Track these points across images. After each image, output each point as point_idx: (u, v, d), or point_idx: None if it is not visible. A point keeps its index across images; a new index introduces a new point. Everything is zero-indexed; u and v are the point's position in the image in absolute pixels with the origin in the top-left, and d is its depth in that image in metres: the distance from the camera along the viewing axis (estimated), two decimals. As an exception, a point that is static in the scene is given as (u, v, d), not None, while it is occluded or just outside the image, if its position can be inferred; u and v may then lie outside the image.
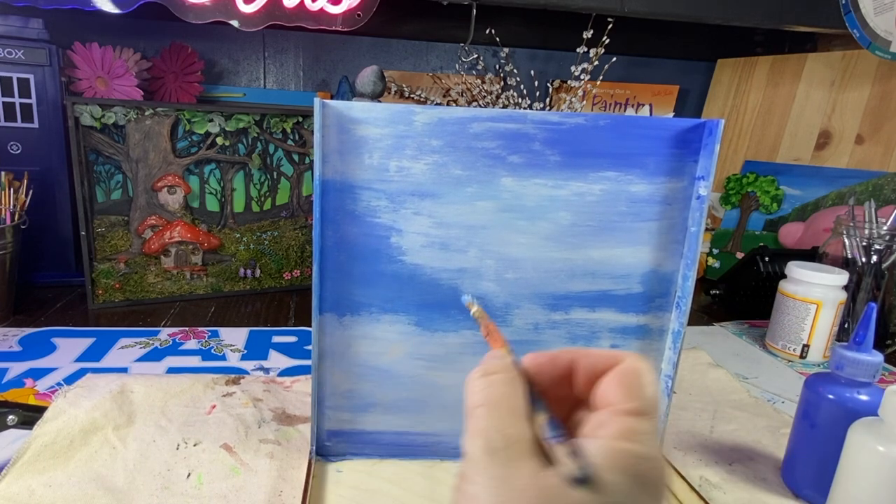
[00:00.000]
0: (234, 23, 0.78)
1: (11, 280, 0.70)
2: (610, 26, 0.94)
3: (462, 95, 1.08)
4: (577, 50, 0.97)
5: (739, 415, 0.56)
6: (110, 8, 0.75)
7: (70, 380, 0.55)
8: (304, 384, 0.56)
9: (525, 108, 1.03)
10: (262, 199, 0.83)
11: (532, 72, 1.09)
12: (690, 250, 0.42)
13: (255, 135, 0.80)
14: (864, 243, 0.72)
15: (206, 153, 0.77)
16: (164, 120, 0.74)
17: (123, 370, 0.58)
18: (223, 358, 0.62)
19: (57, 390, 0.52)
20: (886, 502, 0.33)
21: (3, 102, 0.78)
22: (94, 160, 0.72)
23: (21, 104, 0.78)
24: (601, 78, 1.01)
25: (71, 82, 0.83)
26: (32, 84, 0.78)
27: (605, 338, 0.44)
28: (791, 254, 0.85)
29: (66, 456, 0.42)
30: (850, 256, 0.73)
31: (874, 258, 0.71)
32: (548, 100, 1.10)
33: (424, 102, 1.06)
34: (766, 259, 0.82)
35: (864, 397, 0.40)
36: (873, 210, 0.72)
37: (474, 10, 0.92)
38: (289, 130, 0.82)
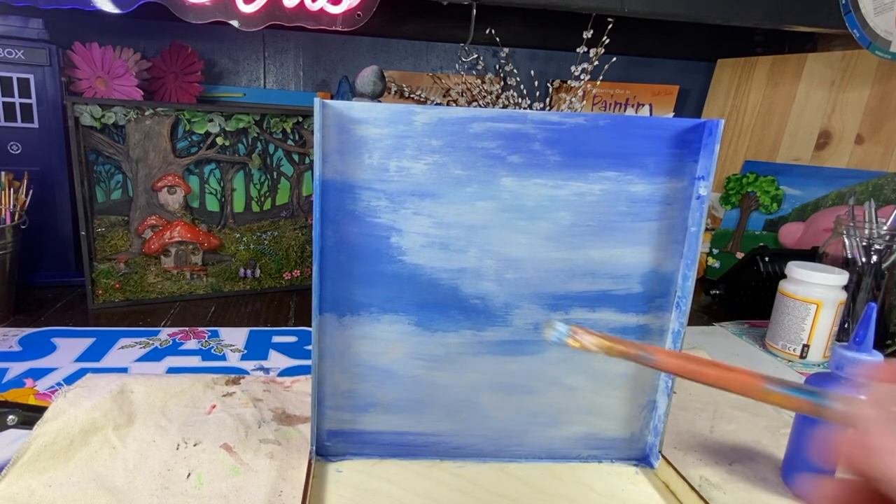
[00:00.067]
0: (234, 23, 0.78)
1: (11, 280, 0.70)
2: (610, 26, 0.94)
3: (462, 95, 1.08)
4: (577, 50, 0.97)
5: (739, 415, 0.56)
6: (110, 8, 0.75)
7: (70, 380, 0.55)
8: (304, 384, 0.56)
9: (525, 108, 1.03)
10: (262, 199, 0.83)
11: (532, 72, 1.09)
12: (690, 250, 0.42)
13: (255, 135, 0.80)
14: (864, 243, 0.72)
15: (206, 153, 0.77)
16: (164, 120, 0.74)
17: (123, 370, 0.58)
18: (223, 358, 0.62)
19: (57, 390, 0.52)
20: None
21: (3, 102, 0.78)
22: (94, 160, 0.72)
23: (21, 104, 0.78)
24: (601, 78, 1.01)
25: (71, 82, 0.83)
26: (32, 84, 0.78)
27: (605, 338, 0.44)
28: (791, 254, 0.85)
29: (66, 456, 0.42)
30: (850, 256, 0.73)
31: (874, 258, 0.71)
32: (548, 100, 1.10)
33: (424, 102, 1.06)
34: (766, 259, 0.82)
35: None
36: (873, 210, 0.72)
37: (474, 10, 0.92)
38: (289, 130, 0.82)
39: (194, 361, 0.61)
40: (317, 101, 0.37)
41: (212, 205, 0.80)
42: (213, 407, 0.50)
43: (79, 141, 0.70)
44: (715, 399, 0.59)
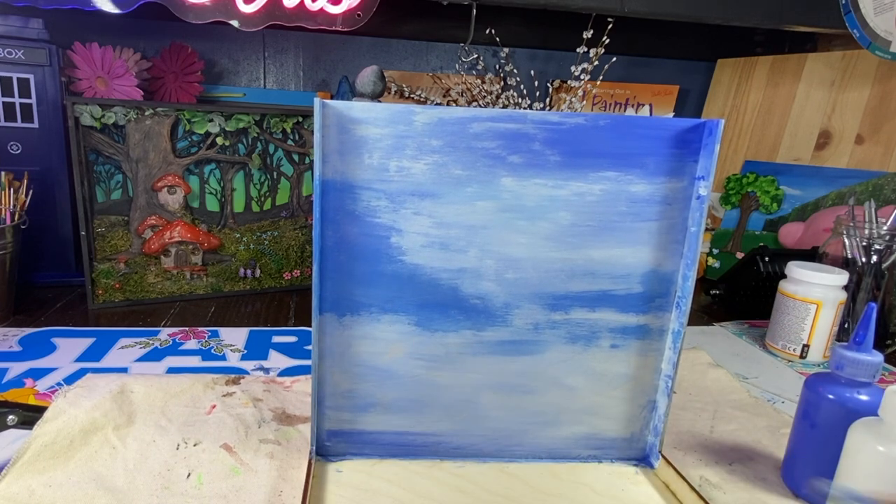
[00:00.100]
0: (234, 23, 0.78)
1: (11, 280, 0.70)
2: (610, 26, 0.94)
3: (462, 95, 1.08)
4: (577, 50, 0.97)
5: (739, 415, 0.56)
6: (110, 8, 0.75)
7: (70, 380, 0.55)
8: (304, 384, 0.56)
9: (525, 108, 1.03)
10: (262, 199, 0.83)
11: (532, 72, 1.09)
12: (690, 250, 0.42)
13: (255, 135, 0.80)
14: (864, 243, 0.72)
15: (206, 153, 0.77)
16: (164, 120, 0.74)
17: (123, 370, 0.58)
18: (223, 358, 0.62)
19: (57, 390, 0.52)
20: (886, 502, 0.33)
21: (3, 102, 0.78)
22: (94, 160, 0.72)
23: (21, 104, 0.78)
24: (601, 78, 1.01)
25: (71, 82, 0.83)
26: (32, 84, 0.78)
27: (605, 338, 0.44)
28: (791, 254, 0.85)
29: (66, 456, 0.42)
30: (850, 256, 0.73)
31: (874, 258, 0.71)
32: (548, 100, 1.10)
33: (424, 102, 1.06)
34: (766, 259, 0.82)
35: (864, 397, 0.40)
36: (873, 210, 0.72)
37: (474, 10, 0.92)
38: (289, 130, 0.82)
39: (194, 361, 0.61)
40: (317, 101, 0.37)
41: (212, 205, 0.80)
42: (213, 407, 0.50)
43: (79, 141, 0.70)
44: (715, 399, 0.59)
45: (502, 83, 1.09)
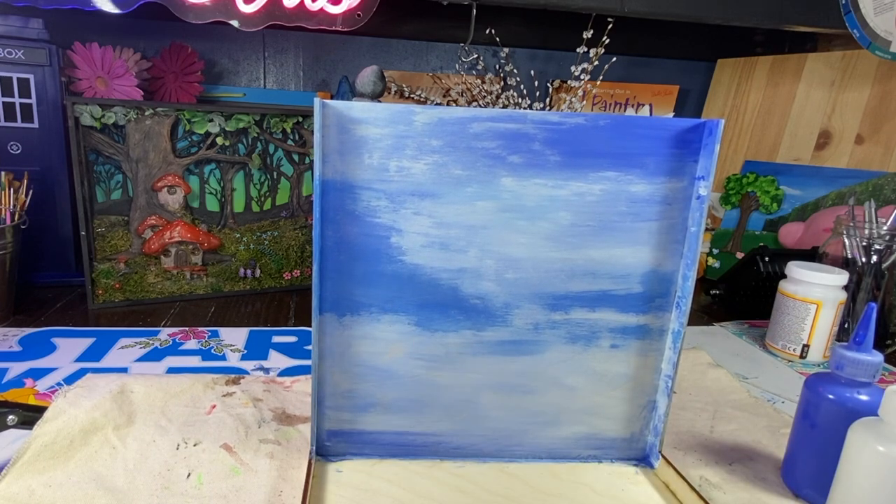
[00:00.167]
0: (234, 23, 0.78)
1: (11, 280, 0.70)
2: (610, 26, 0.94)
3: (462, 95, 1.08)
4: (577, 50, 0.97)
5: (739, 415, 0.56)
6: (110, 8, 0.75)
7: (70, 380, 0.55)
8: (304, 384, 0.56)
9: (525, 108, 1.03)
10: (262, 199, 0.83)
11: (532, 72, 1.09)
12: (690, 250, 0.42)
13: (255, 135, 0.80)
14: (864, 243, 0.72)
15: (206, 153, 0.77)
16: (164, 120, 0.74)
17: (123, 370, 0.58)
18: (223, 358, 0.62)
19: (57, 390, 0.52)
20: (886, 502, 0.33)
21: (3, 102, 0.78)
22: (94, 160, 0.72)
23: (21, 104, 0.78)
24: (601, 78, 1.01)
25: (71, 82, 0.83)
26: (32, 84, 0.78)
27: (605, 338, 0.44)
28: (791, 254, 0.85)
29: (66, 456, 0.42)
30: (850, 256, 0.73)
31: (874, 258, 0.71)
32: (548, 100, 1.10)
33: (424, 102, 1.06)
34: (766, 259, 0.82)
35: (864, 397, 0.40)
36: (873, 210, 0.72)
37: (474, 10, 0.92)
38: (289, 130, 0.82)
39: (194, 361, 0.61)
40: (317, 101, 0.37)
41: (212, 205, 0.80)
42: (213, 407, 0.50)
43: (79, 141, 0.70)
44: (715, 399, 0.59)
45: (502, 83, 1.09)
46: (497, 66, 1.10)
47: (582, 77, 0.99)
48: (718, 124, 0.39)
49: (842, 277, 0.66)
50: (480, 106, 1.06)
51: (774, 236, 0.98)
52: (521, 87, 1.07)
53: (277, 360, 0.62)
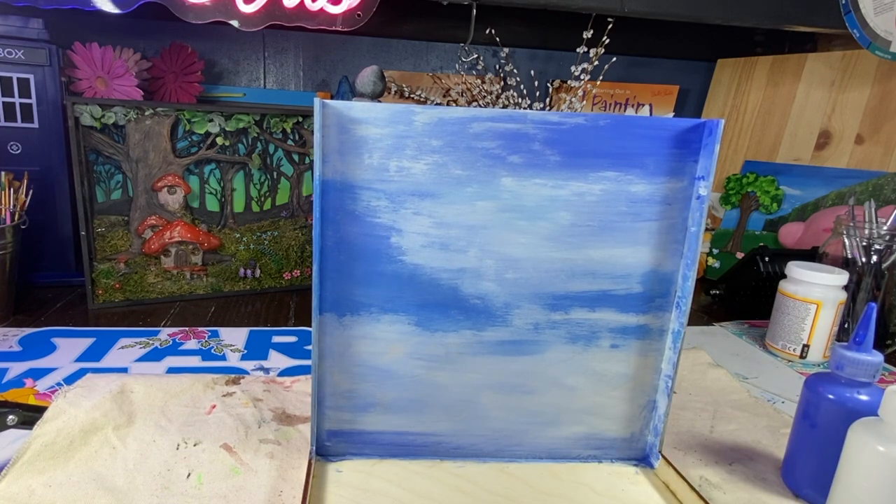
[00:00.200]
0: (234, 23, 0.78)
1: (11, 280, 0.70)
2: (610, 26, 0.94)
3: (462, 95, 1.08)
4: (577, 50, 0.97)
5: (739, 415, 0.56)
6: (110, 8, 0.75)
7: (70, 380, 0.55)
8: (304, 384, 0.56)
9: (525, 108, 1.03)
10: (262, 199, 0.83)
11: (532, 72, 1.09)
12: (690, 250, 0.42)
13: (255, 135, 0.80)
14: (864, 243, 0.72)
15: (206, 153, 0.77)
16: (164, 120, 0.74)
17: (123, 370, 0.58)
18: (223, 358, 0.62)
19: (57, 390, 0.52)
20: (886, 502, 0.33)
21: (3, 102, 0.78)
22: (94, 160, 0.72)
23: (21, 104, 0.78)
24: (601, 78, 1.01)
25: (71, 82, 0.83)
26: (32, 84, 0.78)
27: (605, 338, 0.44)
28: (791, 254, 0.85)
29: (66, 456, 0.42)
30: (850, 256, 0.73)
31: (874, 258, 0.71)
32: (548, 100, 1.10)
33: (424, 102, 1.06)
34: (766, 259, 0.82)
35: (864, 397, 0.40)
36: (873, 210, 0.72)
37: (474, 10, 0.92)
38: (289, 130, 0.82)
39: (194, 361, 0.61)
40: (317, 101, 0.37)
41: (212, 205, 0.80)
42: (213, 407, 0.50)
43: (79, 141, 0.70)
44: (715, 399, 0.59)
45: (502, 83, 1.09)
46: (497, 66, 1.10)
47: (582, 77, 0.99)
48: (718, 124, 0.39)
49: (842, 277, 0.66)
50: (480, 106, 1.06)
51: (774, 236, 0.98)
52: (521, 87, 1.07)
53: (277, 360, 0.62)
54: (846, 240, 0.73)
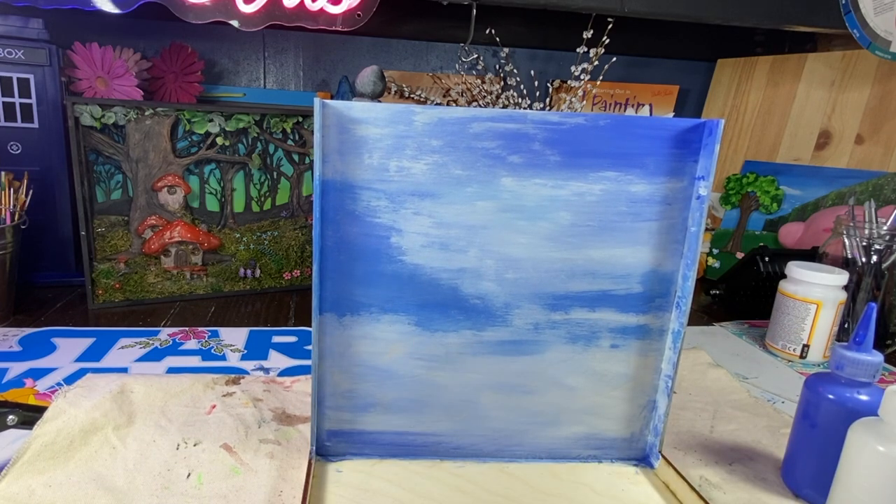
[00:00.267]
0: (234, 23, 0.78)
1: (11, 280, 0.70)
2: (610, 26, 0.94)
3: (462, 95, 1.08)
4: (577, 50, 0.97)
5: (739, 415, 0.56)
6: (110, 8, 0.75)
7: (70, 380, 0.55)
8: (304, 384, 0.56)
9: (525, 108, 1.03)
10: (262, 199, 0.83)
11: (532, 72, 1.09)
12: (690, 250, 0.42)
13: (255, 135, 0.80)
14: (864, 243, 0.72)
15: (206, 153, 0.77)
16: (164, 120, 0.74)
17: (123, 370, 0.58)
18: (223, 358, 0.62)
19: (57, 390, 0.52)
20: (886, 502, 0.33)
21: (3, 102, 0.78)
22: (94, 160, 0.72)
23: (21, 104, 0.78)
24: (601, 78, 1.01)
25: (71, 82, 0.83)
26: (32, 84, 0.78)
27: (605, 338, 0.44)
28: (791, 254, 0.85)
29: (66, 456, 0.42)
30: (850, 256, 0.73)
31: (874, 258, 0.71)
32: (548, 100, 1.10)
33: (424, 102, 1.06)
34: (766, 259, 0.82)
35: (864, 397, 0.40)
36: (873, 210, 0.72)
37: (474, 10, 0.92)
38: (289, 130, 0.82)
39: (194, 361, 0.61)
40: (317, 101, 0.37)
41: (212, 205, 0.80)
42: (213, 407, 0.50)
43: (79, 141, 0.70)
44: (715, 399, 0.59)
45: (502, 83, 1.09)
46: (497, 66, 1.10)
47: (582, 77, 0.99)
48: (718, 124, 0.39)
49: (842, 277, 0.66)
50: (480, 106, 1.06)
51: (774, 236, 0.98)
52: (521, 87, 1.07)
53: (277, 360, 0.62)
54: (846, 240, 0.73)
